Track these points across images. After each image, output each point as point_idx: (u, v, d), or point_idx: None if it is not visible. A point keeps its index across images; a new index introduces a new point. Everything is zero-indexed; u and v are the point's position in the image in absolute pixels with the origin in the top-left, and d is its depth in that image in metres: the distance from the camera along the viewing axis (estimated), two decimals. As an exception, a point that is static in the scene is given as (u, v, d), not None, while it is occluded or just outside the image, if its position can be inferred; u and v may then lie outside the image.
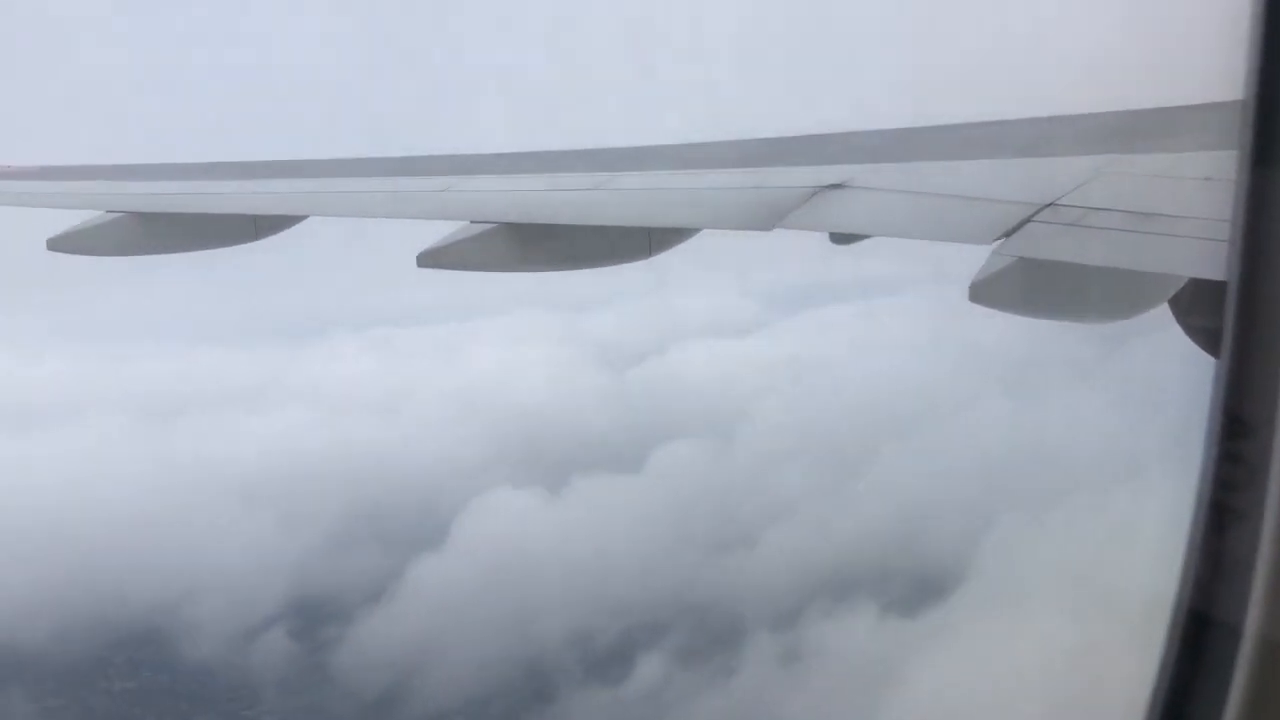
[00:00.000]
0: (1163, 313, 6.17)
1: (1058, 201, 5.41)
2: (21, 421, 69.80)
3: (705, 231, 6.85)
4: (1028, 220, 5.34)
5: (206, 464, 65.91)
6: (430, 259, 6.94)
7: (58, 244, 7.95)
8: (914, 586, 48.04)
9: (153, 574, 53.28)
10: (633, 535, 56.62)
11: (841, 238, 6.73)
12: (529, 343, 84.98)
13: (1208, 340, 6.40)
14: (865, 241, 6.70)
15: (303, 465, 65.90)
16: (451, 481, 62.72)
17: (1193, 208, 5.13)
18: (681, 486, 61.48)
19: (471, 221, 6.99)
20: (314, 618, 51.90)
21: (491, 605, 51.19)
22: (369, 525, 59.39)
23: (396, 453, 67.75)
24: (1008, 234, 5.29)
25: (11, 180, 9.31)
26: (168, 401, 73.88)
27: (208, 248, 8.20)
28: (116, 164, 9.24)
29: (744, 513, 58.12)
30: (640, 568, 53.22)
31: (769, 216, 6.27)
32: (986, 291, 5.24)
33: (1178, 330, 6.39)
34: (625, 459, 64.05)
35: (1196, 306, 6.12)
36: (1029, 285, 5.31)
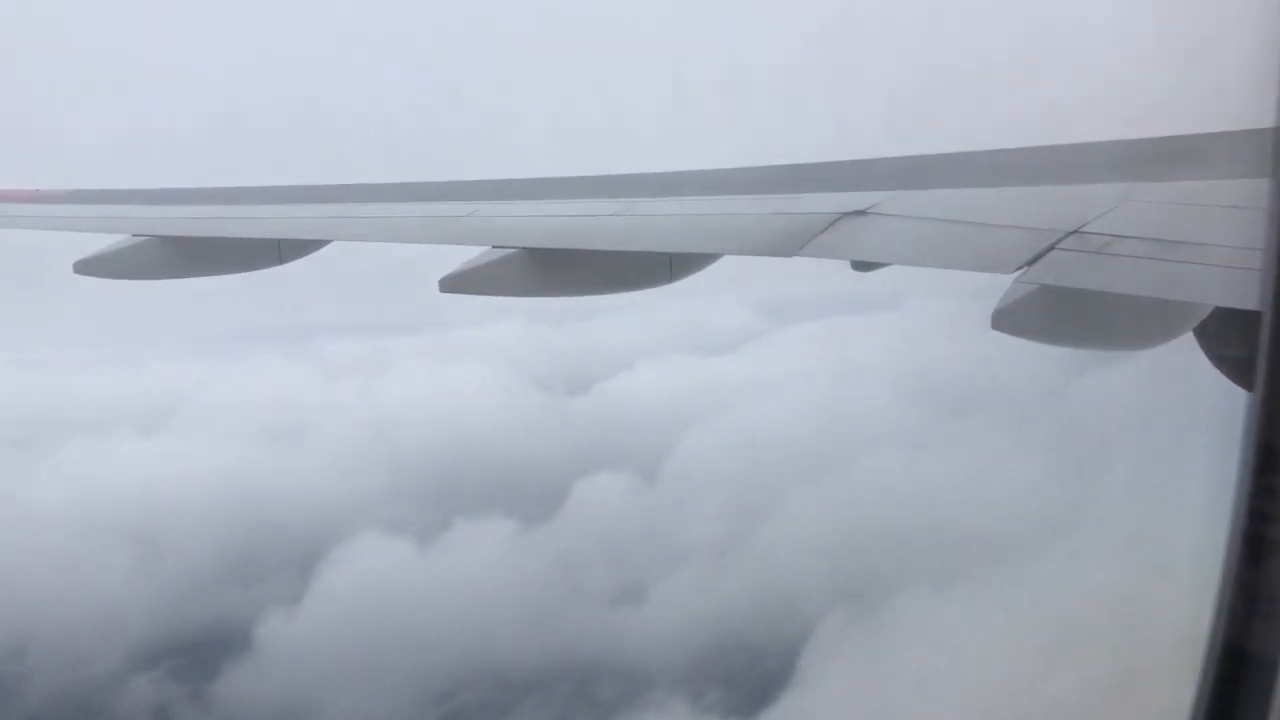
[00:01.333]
0: (1188, 341, 6.12)
1: (1081, 229, 5.38)
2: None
3: (727, 257, 6.85)
4: (1051, 248, 5.31)
5: (82, 490, 60.17)
6: (453, 284, 6.98)
7: (84, 267, 8.05)
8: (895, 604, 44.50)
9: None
10: (520, 585, 51.18)
11: (863, 264, 6.71)
12: (490, 361, 79.02)
13: (1235, 369, 6.34)
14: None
15: (184, 494, 59.60)
16: (333, 519, 56.16)
17: (1219, 236, 5.09)
18: (581, 530, 55.40)
19: (494, 246, 7.03)
20: (150, 670, 46.56)
21: (342, 665, 45.78)
22: (229, 568, 53.44)
23: (293, 483, 61.23)
24: (1030, 262, 5.26)
25: (42, 204, 9.43)
26: (65, 422, 68.27)
27: (232, 271, 8.27)
28: (143, 188, 9.34)
29: (642, 561, 52.16)
30: (504, 629, 47.86)
31: (791, 242, 6.26)
32: (1009, 319, 5.22)
33: (1203, 359, 6.34)
34: (540, 492, 58.22)
35: (1223, 335, 6.07)
36: (1052, 313, 5.28)
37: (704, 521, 55.43)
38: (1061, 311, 5.29)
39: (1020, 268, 5.27)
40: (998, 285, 5.37)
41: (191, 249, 8.22)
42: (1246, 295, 4.25)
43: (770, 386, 73.65)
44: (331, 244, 8.03)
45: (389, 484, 61.33)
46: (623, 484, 60.05)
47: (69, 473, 62.06)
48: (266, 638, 47.84)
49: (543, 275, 7.04)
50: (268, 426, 68.84)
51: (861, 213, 6.28)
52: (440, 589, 50.91)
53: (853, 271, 6.75)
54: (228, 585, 52.09)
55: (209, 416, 71.48)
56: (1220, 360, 6.30)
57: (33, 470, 62.89)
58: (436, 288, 7.09)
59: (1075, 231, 5.37)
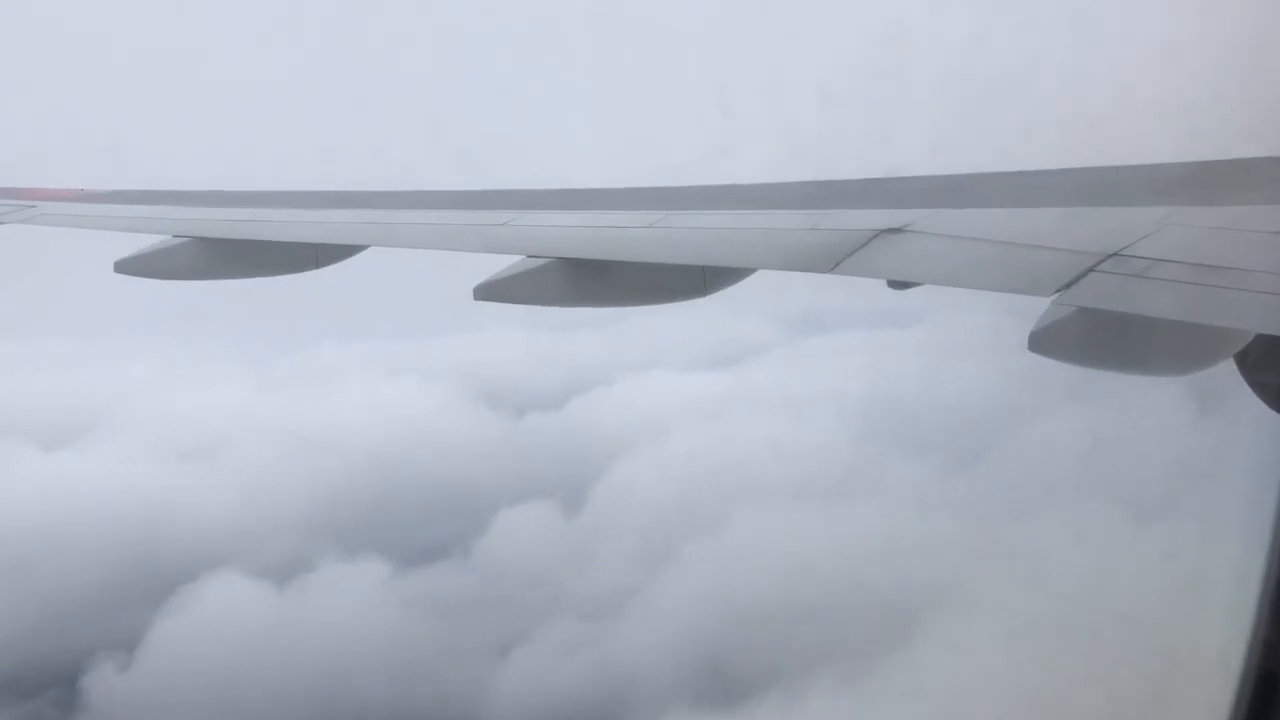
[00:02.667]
0: (1228, 368, 6.05)
1: (1121, 252, 5.33)
2: None
3: (762, 271, 6.84)
4: (1090, 270, 5.26)
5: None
6: (487, 291, 7.02)
7: (125, 266, 8.15)
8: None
9: None
10: (396, 632, 45.09)
11: (899, 283, 6.68)
12: (459, 374, 70.01)
13: (1276, 397, 6.25)
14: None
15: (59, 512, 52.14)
16: (205, 551, 49.41)
17: (1262, 262, 5.03)
18: (478, 569, 49.49)
19: (529, 255, 7.06)
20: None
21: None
22: (71, 601, 46.76)
23: (176, 509, 54.05)
24: (1069, 284, 5.21)
25: (85, 204, 9.56)
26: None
27: (270, 274, 8.34)
28: (184, 189, 9.46)
29: (536, 609, 46.05)
30: (367, 681, 41.90)
31: (827, 259, 6.24)
32: (1046, 341, 5.16)
33: (1244, 385, 6.26)
34: (448, 524, 51.97)
35: (1264, 362, 5.99)
36: (1090, 336, 5.22)
37: (616, 562, 49.04)
38: (1100, 335, 5.23)
39: (1059, 290, 5.22)
40: (1032, 305, 5.32)
41: (230, 251, 8.30)
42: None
43: (751, 407, 65.61)
44: (369, 249, 8.09)
45: (281, 514, 54.43)
46: (544, 514, 53.99)
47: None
48: (99, 686, 42.57)
49: (576, 285, 7.07)
50: (189, 441, 61.73)
51: (898, 230, 6.24)
52: (300, 635, 45.29)
53: (889, 289, 6.73)
54: (66, 621, 45.99)
55: (132, 427, 63.72)
56: (1261, 387, 6.21)
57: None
58: (460, 294, 7.15)
59: (1115, 254, 5.32)
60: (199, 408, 67.95)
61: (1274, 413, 6.14)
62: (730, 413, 65.33)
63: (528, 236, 7.43)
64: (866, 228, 6.34)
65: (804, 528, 49.99)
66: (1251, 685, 2.08)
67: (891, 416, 61.14)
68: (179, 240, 8.18)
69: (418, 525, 53.30)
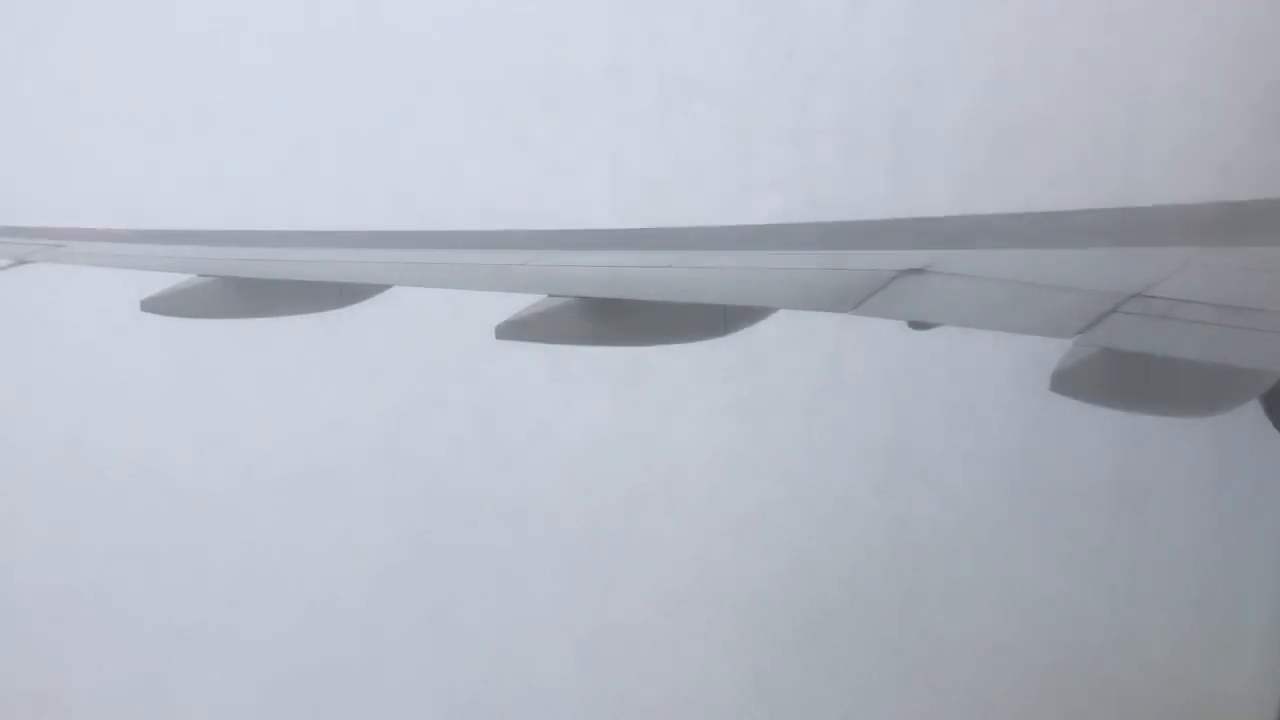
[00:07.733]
0: (1254, 409, 6.01)
1: (1144, 292, 5.31)
2: None
3: (782, 311, 6.85)
4: (1112, 311, 5.25)
5: None
6: (508, 330, 7.07)
7: (151, 305, 8.24)
8: None
9: None
10: None
11: (920, 323, 6.67)
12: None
13: (1302, 440, 6.19)
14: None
15: None
16: None
17: None
18: None
19: (549, 295, 7.10)
20: None
21: None
22: None
23: None
24: (1091, 325, 5.20)
25: (113, 243, 9.68)
26: None
27: (293, 313, 8.40)
28: (211, 229, 9.56)
29: None
30: None
31: (847, 299, 6.24)
32: (1068, 381, 5.14)
33: (1269, 427, 6.23)
34: None
35: None
36: (1112, 376, 5.20)
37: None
38: (1123, 375, 5.21)
39: (1080, 331, 5.20)
40: (1053, 347, 5.30)
41: (254, 290, 8.37)
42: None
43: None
44: (391, 289, 8.15)
45: None
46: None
47: None
48: None
49: (596, 324, 7.11)
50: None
51: (919, 271, 6.24)
52: None
53: (910, 330, 6.72)
54: None
55: None
56: None
57: None
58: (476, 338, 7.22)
59: (1138, 295, 5.30)
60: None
61: None
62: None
63: (547, 276, 7.48)
64: (887, 268, 6.34)
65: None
66: None
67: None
68: (204, 279, 8.27)
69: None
